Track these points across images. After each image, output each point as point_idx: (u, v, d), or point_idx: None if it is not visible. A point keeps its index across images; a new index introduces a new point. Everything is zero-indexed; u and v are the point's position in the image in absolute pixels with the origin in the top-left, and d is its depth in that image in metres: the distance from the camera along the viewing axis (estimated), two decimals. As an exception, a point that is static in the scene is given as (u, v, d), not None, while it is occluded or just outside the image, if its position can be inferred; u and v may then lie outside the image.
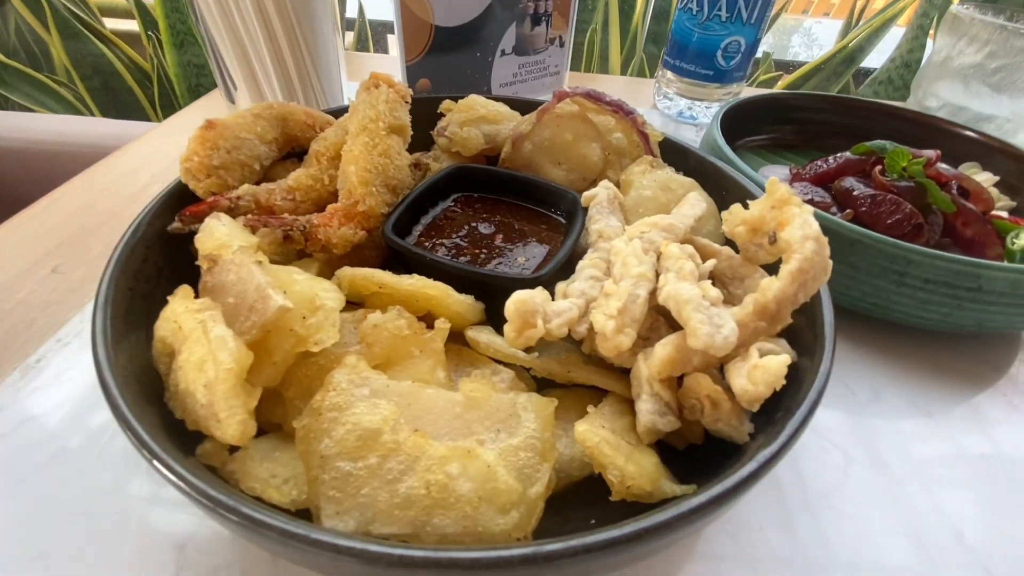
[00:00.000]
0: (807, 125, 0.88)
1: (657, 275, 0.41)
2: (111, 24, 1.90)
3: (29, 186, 1.30)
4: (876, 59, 1.77)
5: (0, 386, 0.48)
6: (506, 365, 0.42)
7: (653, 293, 0.40)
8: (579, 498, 0.37)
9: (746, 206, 0.44)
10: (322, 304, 0.36)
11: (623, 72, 1.73)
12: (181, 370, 0.32)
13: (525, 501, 0.31)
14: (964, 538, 0.43)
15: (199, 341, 0.31)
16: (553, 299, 0.42)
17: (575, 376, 0.40)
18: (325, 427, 0.31)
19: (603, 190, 0.53)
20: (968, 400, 0.54)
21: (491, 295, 0.44)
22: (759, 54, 1.98)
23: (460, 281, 0.45)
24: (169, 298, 0.36)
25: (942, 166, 0.70)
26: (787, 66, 2.03)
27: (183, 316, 0.33)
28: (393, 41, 2.26)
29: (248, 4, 0.65)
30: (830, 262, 0.38)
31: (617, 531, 0.25)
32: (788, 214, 0.40)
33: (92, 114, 1.69)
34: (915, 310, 0.55)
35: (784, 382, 0.32)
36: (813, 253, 0.37)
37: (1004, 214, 0.72)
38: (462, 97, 0.64)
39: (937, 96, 0.93)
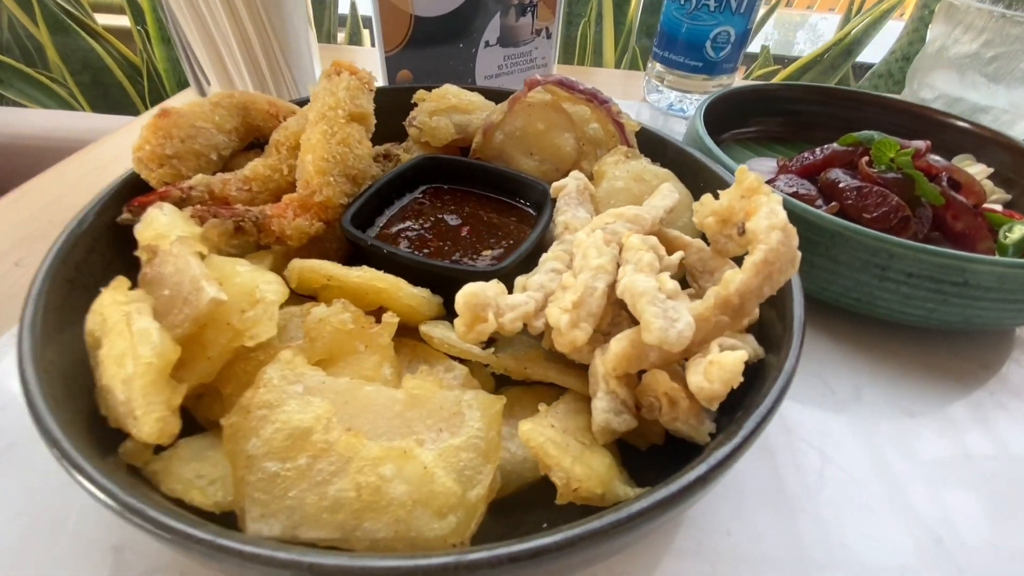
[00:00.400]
0: (796, 117, 0.86)
1: (619, 267, 0.39)
2: (104, 20, 1.89)
3: (17, 181, 1.29)
4: (876, 53, 1.74)
5: (-51, 382, 0.47)
6: (462, 361, 0.40)
7: (614, 287, 0.38)
8: (532, 501, 0.36)
9: (718, 197, 0.42)
10: (262, 297, 0.34)
11: (618, 66, 1.71)
12: (102, 364, 0.30)
13: (464, 505, 0.29)
14: (943, 544, 0.41)
15: (121, 334, 0.30)
16: (513, 292, 0.40)
17: (531, 373, 0.39)
18: (253, 425, 0.29)
19: (572, 181, 0.51)
20: (954, 400, 0.52)
21: (451, 288, 0.42)
22: (756, 48, 1.95)
23: (419, 274, 0.43)
24: (103, 290, 0.35)
25: (934, 158, 0.68)
26: (784, 61, 1.99)
27: (108, 308, 0.31)
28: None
29: (216, -6, 0.64)
30: (798, 253, 0.36)
31: (548, 538, 0.24)
32: (756, 203, 0.38)
33: (84, 109, 1.69)
34: (899, 305, 0.52)
35: (742, 379, 0.30)
36: (779, 244, 0.35)
37: (998, 207, 0.70)
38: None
39: (932, 87, 0.90)
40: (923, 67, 0.92)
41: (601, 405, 0.34)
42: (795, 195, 0.64)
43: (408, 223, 0.51)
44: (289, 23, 0.70)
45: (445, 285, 0.43)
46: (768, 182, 0.68)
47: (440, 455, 0.30)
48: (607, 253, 0.38)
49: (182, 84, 1.55)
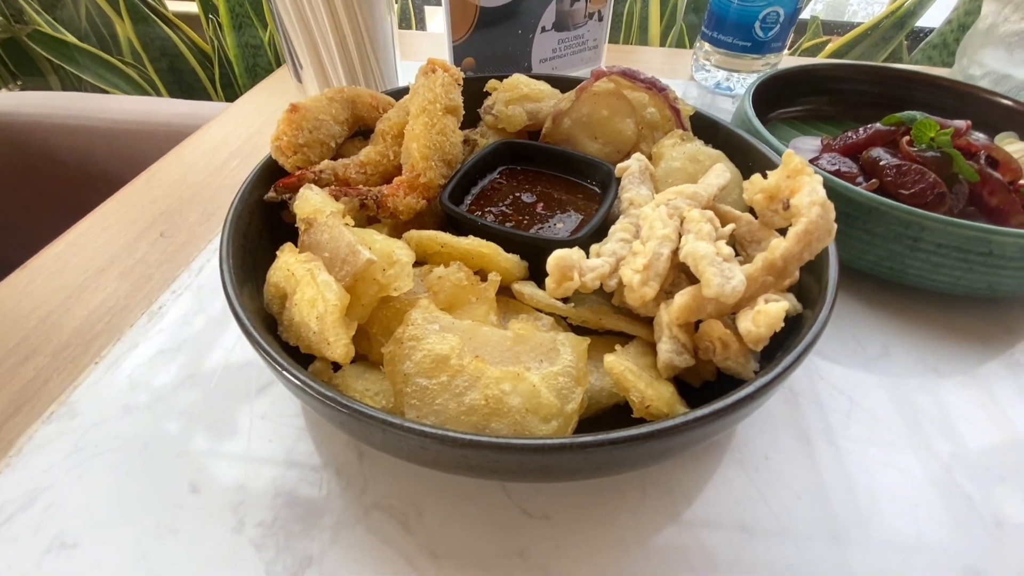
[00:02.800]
0: (842, 95, 0.90)
1: (680, 237, 0.47)
2: (172, 7, 2.02)
3: (115, 162, 1.44)
4: (937, 16, 1.68)
5: (135, 326, 0.59)
6: (546, 314, 0.49)
7: (676, 253, 0.46)
8: (607, 423, 0.44)
9: (765, 176, 0.49)
10: (398, 259, 0.44)
11: (663, 43, 1.73)
12: (296, 306, 0.41)
13: (563, 414, 0.38)
14: (952, 473, 0.48)
15: (309, 284, 0.40)
16: (588, 258, 0.48)
17: (606, 323, 0.47)
18: (406, 352, 0.39)
19: (635, 162, 0.58)
20: (975, 358, 0.58)
21: (534, 255, 0.51)
22: (806, 16, 1.92)
23: (506, 243, 0.52)
24: (278, 252, 0.45)
25: (975, 135, 0.72)
26: (836, 28, 1.95)
27: (294, 265, 0.42)
28: (431, 14, 2.30)
29: (317, -8, 0.73)
30: (834, 225, 0.43)
31: (635, 430, 0.33)
32: (800, 182, 0.45)
33: (159, 93, 1.83)
34: (928, 273, 0.58)
35: (782, 324, 0.38)
36: (818, 217, 0.42)
37: (1037, 183, 0.73)
38: (506, 76, 0.70)
39: (981, 64, 0.91)
40: (973, 44, 0.93)
41: (665, 347, 0.43)
42: (837, 173, 0.70)
43: (492, 200, 0.60)
44: (378, 17, 0.78)
45: (527, 253, 0.52)
46: (812, 160, 0.73)
47: (543, 378, 0.39)
48: (670, 225, 0.46)
49: (249, 70, 1.67)
